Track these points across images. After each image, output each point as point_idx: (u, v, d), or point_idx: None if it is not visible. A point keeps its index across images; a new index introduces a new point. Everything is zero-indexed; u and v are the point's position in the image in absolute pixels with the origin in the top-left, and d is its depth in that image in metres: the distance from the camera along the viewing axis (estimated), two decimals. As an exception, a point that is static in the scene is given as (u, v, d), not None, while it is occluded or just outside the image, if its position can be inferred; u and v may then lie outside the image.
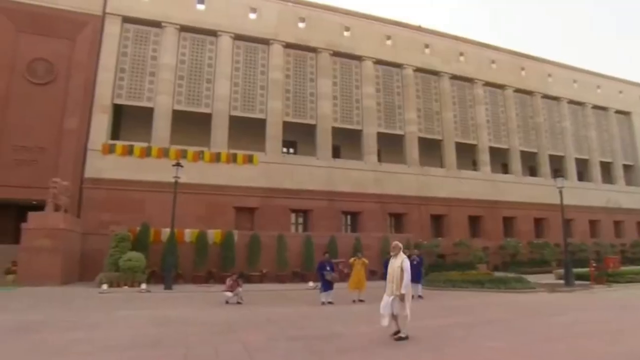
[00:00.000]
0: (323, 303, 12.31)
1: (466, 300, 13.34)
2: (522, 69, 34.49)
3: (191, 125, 24.52)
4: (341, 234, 24.51)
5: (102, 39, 23.50)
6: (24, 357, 5.73)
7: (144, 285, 16.46)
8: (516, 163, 32.18)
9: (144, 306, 11.89)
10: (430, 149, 29.74)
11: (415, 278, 13.73)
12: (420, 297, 13.54)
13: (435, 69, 30.66)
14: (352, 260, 13.79)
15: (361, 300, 12.84)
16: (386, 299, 6.87)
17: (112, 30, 23.76)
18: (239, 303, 12.47)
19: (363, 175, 26.37)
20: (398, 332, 6.87)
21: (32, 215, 17.61)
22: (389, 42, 29.56)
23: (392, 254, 7.34)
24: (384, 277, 13.66)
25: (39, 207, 18.53)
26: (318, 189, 25.08)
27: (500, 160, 32.73)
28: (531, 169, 34.01)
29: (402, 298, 6.77)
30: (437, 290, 16.32)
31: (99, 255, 18.93)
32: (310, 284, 17.97)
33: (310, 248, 21.46)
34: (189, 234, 20.37)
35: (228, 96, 24.94)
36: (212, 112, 24.47)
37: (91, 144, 22.20)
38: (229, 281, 13.34)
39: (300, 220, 25.94)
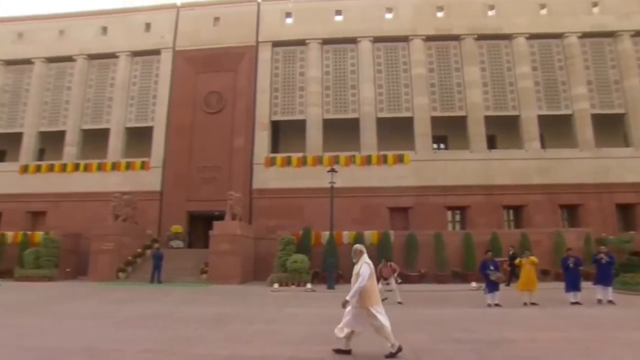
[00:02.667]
0: (489, 305, 11.48)
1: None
2: None
3: (341, 131, 25.62)
4: (503, 230, 22.49)
5: (257, 65, 26.48)
6: (224, 344, 6.73)
7: (309, 285, 17.77)
8: None
9: (311, 304, 12.80)
10: (608, 127, 24.99)
11: (605, 280, 11.83)
12: (610, 302, 11.57)
13: (609, 29, 25.54)
14: (518, 260, 12.56)
15: (533, 304, 11.58)
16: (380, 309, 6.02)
17: (264, 56, 26.60)
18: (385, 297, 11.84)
19: (524, 165, 23.72)
20: (343, 350, 5.97)
21: (216, 224, 20.67)
22: (543, 12, 26.03)
23: (353, 260, 6.37)
24: (564, 278, 12.18)
25: (220, 217, 21.65)
26: (474, 183, 23.52)
27: None
28: None
29: (343, 305, 5.98)
30: (634, 294, 13.67)
31: (269, 257, 21.15)
32: (473, 284, 16.94)
33: (470, 246, 20.26)
34: (346, 235, 21.28)
35: (373, 99, 25.36)
36: (360, 117, 25.19)
37: (256, 159, 25.11)
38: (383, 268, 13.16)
39: (457, 217, 24.69)
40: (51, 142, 28.33)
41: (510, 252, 18.31)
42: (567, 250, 13.43)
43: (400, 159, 24.20)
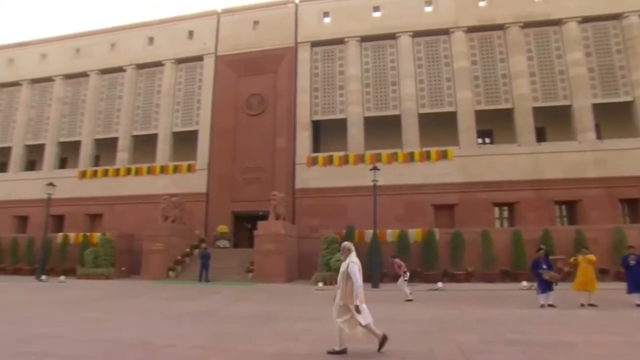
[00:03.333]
0: (542, 306, 10.96)
1: None
2: None
3: (382, 129, 25.35)
4: (556, 227, 21.37)
5: (296, 66, 26.73)
6: (271, 341, 6.87)
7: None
8: None
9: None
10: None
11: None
12: None
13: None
14: (573, 259, 11.92)
15: (592, 305, 10.92)
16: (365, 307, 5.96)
17: (303, 56, 26.79)
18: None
19: (578, 157, 22.39)
20: (338, 351, 5.91)
21: (260, 224, 21.08)
22: (597, -7, 24.45)
23: (341, 257, 6.28)
24: (625, 277, 11.40)
25: (264, 217, 22.04)
26: (522, 178, 22.52)
27: None
28: None
29: (357, 310, 5.79)
30: None
31: (312, 256, 21.31)
32: (524, 283, 16.26)
33: (519, 244, 19.46)
34: (390, 234, 21.07)
35: (414, 94, 24.89)
36: (401, 113, 24.82)
37: (298, 159, 25.35)
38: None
39: (505, 213, 23.75)
40: (105, 148, 30.04)
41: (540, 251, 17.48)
42: (628, 247, 12.56)
43: (443, 155, 23.61)
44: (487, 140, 25.83)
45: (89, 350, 6.16)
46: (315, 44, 26.91)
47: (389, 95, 25.45)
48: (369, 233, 20.26)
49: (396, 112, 24.99)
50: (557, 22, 24.32)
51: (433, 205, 23.17)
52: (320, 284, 18.03)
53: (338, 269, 18.90)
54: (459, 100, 24.28)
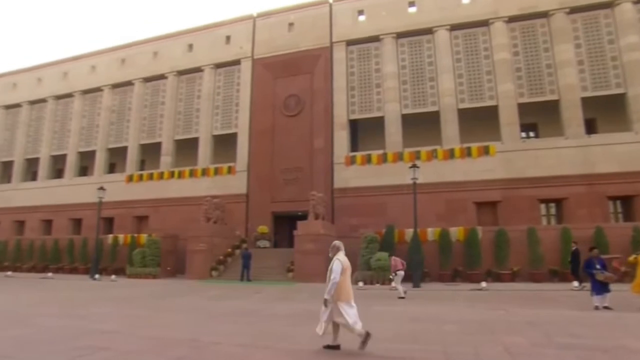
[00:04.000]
0: (597, 308, 10.37)
1: None
2: None
3: (420, 125, 24.92)
4: (610, 224, 20.12)
5: (332, 66, 26.73)
6: (314, 340, 6.88)
7: (394, 283, 17.48)
8: None
9: (397, 303, 12.59)
10: None
11: None
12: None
13: None
14: (633, 257, 11.20)
15: (654, 307, 10.22)
16: (353, 304, 6.19)
17: (339, 55, 26.76)
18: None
19: (634, 149, 20.95)
20: (332, 346, 6.17)
21: (300, 224, 21.24)
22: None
23: (330, 255, 6.47)
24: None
25: (303, 217, 22.19)
26: (571, 173, 21.41)
27: None
28: None
29: (324, 303, 6.05)
30: None
31: (352, 256, 21.03)
32: (575, 284, 15.50)
33: (568, 242, 18.45)
34: (431, 232, 20.67)
35: (453, 89, 24.28)
36: (440, 109, 24.27)
37: (336, 158, 25.35)
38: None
39: (552, 210, 22.71)
40: (150, 153, 31.31)
41: (573, 248, 16.64)
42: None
43: (485, 151, 22.87)
44: (532, 134, 24.78)
45: (140, 346, 6.42)
46: (350, 42, 26.81)
47: (427, 91, 24.95)
48: (409, 232, 19.99)
49: (435, 109, 24.47)
50: (609, 5, 22.87)
51: (475, 202, 22.52)
52: (361, 284, 17.97)
53: (378, 268, 18.90)
54: (500, 94, 23.45)
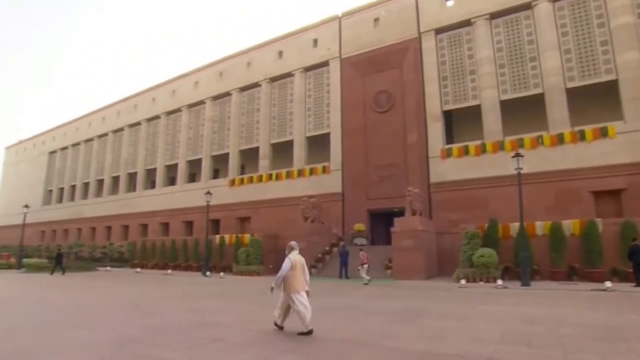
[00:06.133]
0: None
1: None
2: None
3: (522, 111, 23.10)
4: None
5: (422, 57, 25.86)
6: (417, 338, 6.73)
7: (499, 281, 16.40)
8: None
9: (504, 302, 11.76)
10: None
11: None
12: None
13: None
14: None
15: None
16: (303, 295, 7.19)
17: (428, 45, 25.81)
18: None
19: None
20: (278, 325, 7.42)
21: (397, 221, 20.92)
22: None
23: (286, 252, 7.58)
24: None
25: (400, 213, 21.80)
26: None
27: None
28: None
29: (271, 290, 7.45)
30: None
31: (452, 252, 20.35)
32: None
33: None
34: (540, 226, 18.94)
35: (559, 67, 21.95)
36: (544, 91, 22.12)
37: (431, 152, 24.50)
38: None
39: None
40: (249, 157, 33.36)
41: (632, 243, 14.48)
42: None
43: (603, 133, 20.27)
44: (662, 109, 21.38)
45: (250, 338, 6.83)
46: (439, 30, 25.71)
47: (527, 73, 22.93)
48: (514, 226, 18.58)
49: (538, 91, 22.39)
50: None
51: (592, 192, 20.12)
52: (463, 281, 17.14)
53: (482, 265, 17.94)
54: (620, 66, 20.55)
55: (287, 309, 7.31)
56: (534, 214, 19.31)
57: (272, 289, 7.40)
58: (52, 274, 24.94)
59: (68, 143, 51.99)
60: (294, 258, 7.37)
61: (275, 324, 7.47)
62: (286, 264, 7.24)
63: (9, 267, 28.62)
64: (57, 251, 27.60)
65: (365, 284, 17.77)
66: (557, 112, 21.50)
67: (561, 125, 21.28)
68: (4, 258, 36.18)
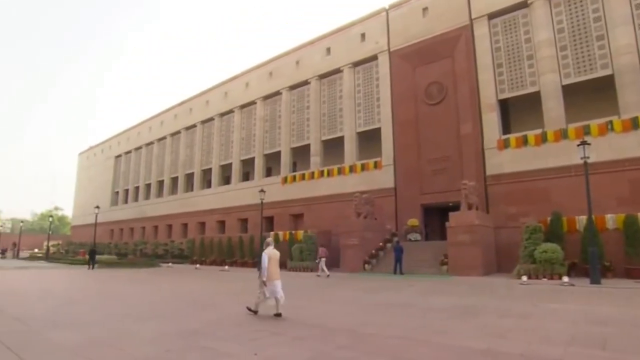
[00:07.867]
0: None
1: None
2: None
3: (587, 95, 21.54)
4: None
5: (474, 45, 24.77)
6: (476, 336, 6.47)
7: (565, 278, 15.40)
8: None
9: (571, 300, 11.03)
10: None
11: None
12: None
13: None
14: None
15: None
16: (277, 283, 8.51)
17: (481, 32, 24.65)
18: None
19: None
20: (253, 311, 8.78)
21: (452, 215, 20.27)
22: None
23: (263, 248, 8.97)
24: None
25: (455, 207, 21.11)
26: None
27: None
28: None
29: (263, 284, 8.50)
30: None
31: (512, 247, 19.40)
32: None
33: None
34: (611, 219, 17.56)
35: (633, 45, 19.88)
36: (614, 72, 20.27)
37: (486, 143, 23.46)
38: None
39: None
40: (300, 155, 33.71)
41: None
42: None
43: (684, 116, 18.39)
44: None
45: (307, 333, 6.91)
46: (492, 15, 24.49)
47: (594, 53, 21.21)
48: (581, 220, 17.37)
49: (606, 72, 20.66)
50: None
51: (673, 180, 18.32)
52: (525, 278, 16.29)
53: (544, 261, 17.06)
54: (702, 42, 18.52)
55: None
56: (603, 206, 17.91)
57: (264, 282, 8.41)
58: (91, 268, 27.41)
59: (131, 147, 55.50)
60: (270, 252, 8.63)
61: (249, 309, 8.85)
62: (264, 259, 8.47)
63: (85, 263, 30.96)
64: (91, 248, 30.55)
65: (326, 276, 20.14)
66: (630, 94, 19.71)
67: (635, 109, 19.47)
68: (81, 254, 39.35)
